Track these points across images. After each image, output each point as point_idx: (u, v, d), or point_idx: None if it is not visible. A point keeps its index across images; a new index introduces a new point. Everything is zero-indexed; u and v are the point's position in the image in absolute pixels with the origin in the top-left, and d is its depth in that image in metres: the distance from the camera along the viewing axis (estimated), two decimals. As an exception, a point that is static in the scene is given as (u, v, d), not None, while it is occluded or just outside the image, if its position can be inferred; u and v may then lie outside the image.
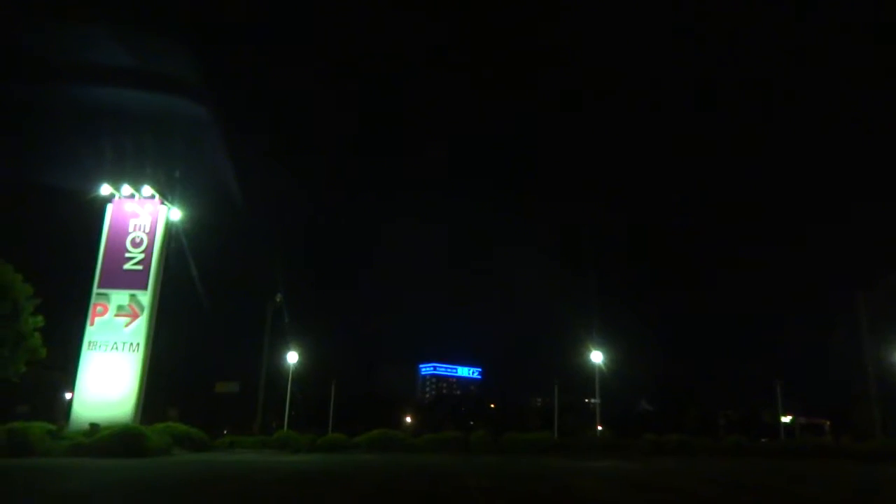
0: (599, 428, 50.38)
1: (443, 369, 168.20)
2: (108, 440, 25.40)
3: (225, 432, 45.44)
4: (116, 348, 31.20)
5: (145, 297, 32.01)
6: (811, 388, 61.72)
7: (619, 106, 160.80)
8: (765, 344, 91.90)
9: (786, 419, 55.22)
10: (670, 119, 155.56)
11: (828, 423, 67.43)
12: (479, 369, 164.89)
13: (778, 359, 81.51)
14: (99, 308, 31.85)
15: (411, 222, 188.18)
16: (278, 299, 48.29)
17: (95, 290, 32.15)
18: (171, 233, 33.88)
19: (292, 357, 45.56)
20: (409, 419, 77.39)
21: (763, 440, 46.02)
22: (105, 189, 33.37)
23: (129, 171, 34.03)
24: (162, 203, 33.72)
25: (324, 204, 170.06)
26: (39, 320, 30.01)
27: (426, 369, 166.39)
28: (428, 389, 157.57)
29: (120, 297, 32.03)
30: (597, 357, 46.25)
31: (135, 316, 31.77)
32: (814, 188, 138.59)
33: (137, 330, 31.57)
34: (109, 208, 33.51)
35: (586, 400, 62.41)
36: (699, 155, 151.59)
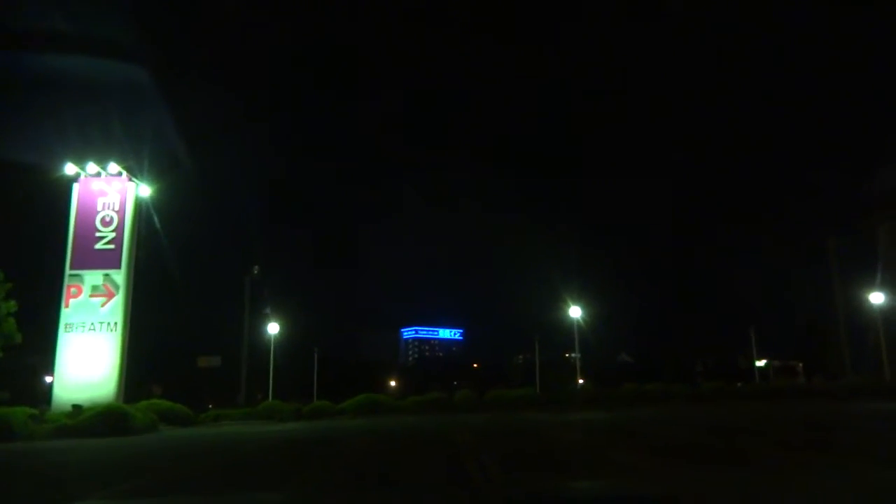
0: (581, 381, 51.39)
1: (425, 332, 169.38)
2: (92, 420, 25.24)
3: (210, 406, 45.45)
4: (94, 329, 30.85)
5: (119, 276, 31.57)
6: (784, 332, 63.46)
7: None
8: (738, 290, 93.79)
9: (760, 363, 56.85)
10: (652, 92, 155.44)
11: (800, 364, 69.58)
12: (461, 331, 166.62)
13: (751, 305, 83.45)
14: (73, 289, 31.34)
15: (392, 188, 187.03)
16: (255, 271, 48.04)
17: (68, 271, 31.58)
18: (141, 209, 33.27)
19: (273, 328, 45.53)
20: (393, 383, 78.16)
21: (739, 384, 47.30)
22: (70, 168, 32.50)
23: (94, 147, 33.15)
24: (130, 180, 33.01)
25: (302, 170, 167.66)
26: (12, 305, 29.51)
27: (408, 333, 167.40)
28: (411, 353, 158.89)
29: (93, 277, 31.53)
30: (575, 312, 46.89)
31: (110, 295, 31.36)
32: (790, 134, 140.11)
33: (114, 309, 31.20)
34: (76, 188, 32.72)
35: (567, 355, 63.56)
36: (677, 108, 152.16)
